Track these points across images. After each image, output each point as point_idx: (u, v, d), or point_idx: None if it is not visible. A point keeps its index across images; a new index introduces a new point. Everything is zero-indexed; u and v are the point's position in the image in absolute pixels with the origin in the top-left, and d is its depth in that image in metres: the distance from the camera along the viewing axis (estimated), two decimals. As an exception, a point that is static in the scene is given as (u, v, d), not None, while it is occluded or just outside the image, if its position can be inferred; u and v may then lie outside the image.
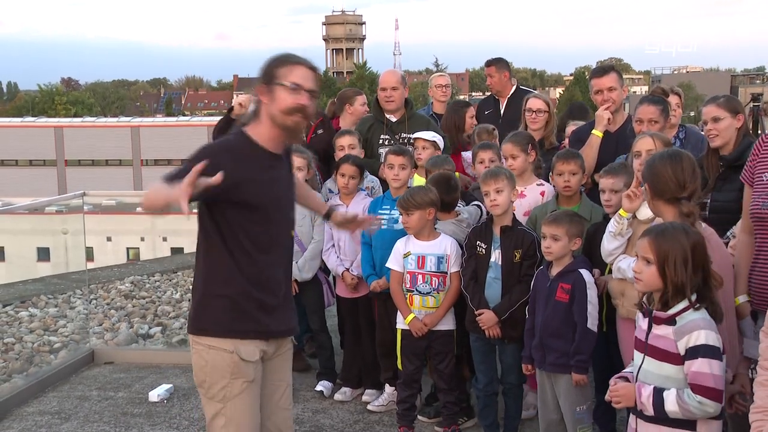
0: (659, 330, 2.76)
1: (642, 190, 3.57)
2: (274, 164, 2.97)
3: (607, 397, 2.90)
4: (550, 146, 5.32)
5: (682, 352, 2.70)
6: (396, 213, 4.64)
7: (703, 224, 3.14)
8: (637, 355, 2.86)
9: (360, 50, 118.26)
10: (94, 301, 8.71)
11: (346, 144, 5.36)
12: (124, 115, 65.85)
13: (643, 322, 2.86)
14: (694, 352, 2.67)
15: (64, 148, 46.41)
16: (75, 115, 61.50)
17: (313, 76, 2.93)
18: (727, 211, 3.69)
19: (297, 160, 5.01)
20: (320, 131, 5.88)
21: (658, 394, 2.71)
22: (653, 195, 3.14)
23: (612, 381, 2.92)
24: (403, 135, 5.64)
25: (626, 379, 2.88)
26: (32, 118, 53.23)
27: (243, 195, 2.84)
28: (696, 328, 2.68)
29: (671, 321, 2.74)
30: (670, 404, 2.68)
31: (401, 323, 4.50)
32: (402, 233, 4.55)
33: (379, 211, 4.81)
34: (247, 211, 2.88)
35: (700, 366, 2.65)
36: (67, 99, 72.20)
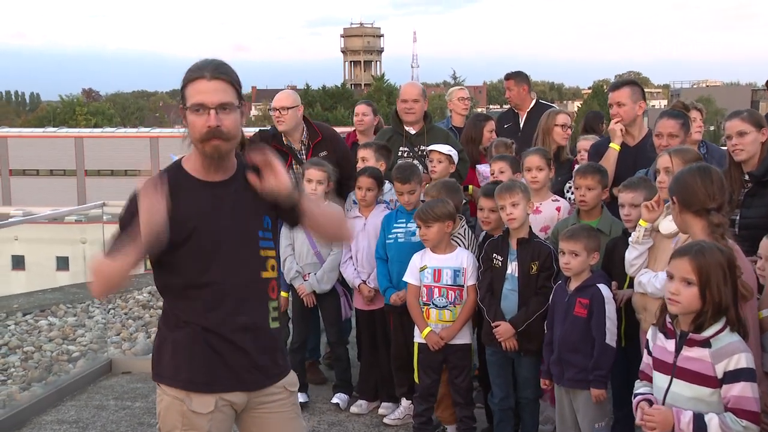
0: (692, 352, 2.69)
1: (661, 203, 3.56)
2: (210, 191, 2.58)
3: (638, 421, 2.79)
4: (565, 159, 5.34)
5: (720, 376, 2.64)
6: (412, 226, 4.65)
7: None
8: (661, 377, 2.79)
9: (378, 62, 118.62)
10: (112, 311, 8.76)
11: (362, 156, 5.33)
12: (143, 126, 66.40)
13: (668, 343, 2.78)
14: (736, 375, 2.62)
15: (84, 159, 46.81)
16: (95, 126, 62.03)
17: (220, 86, 2.46)
18: (757, 227, 3.65)
19: (314, 173, 5.04)
20: (323, 153, 5.59)
21: (699, 419, 2.62)
22: (681, 207, 3.08)
23: (640, 405, 2.81)
24: (422, 147, 5.65)
25: (650, 402, 2.79)
26: (53, 129, 53.77)
27: (171, 233, 2.45)
28: (736, 351, 2.63)
29: (705, 343, 2.68)
30: (714, 430, 2.60)
31: (418, 337, 4.50)
32: (417, 246, 4.56)
33: (395, 225, 4.83)
34: (179, 251, 2.52)
35: (743, 390, 2.60)
36: (88, 110, 72.77)
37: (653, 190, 3.87)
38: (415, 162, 5.46)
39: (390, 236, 4.84)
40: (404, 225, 4.81)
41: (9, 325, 7.84)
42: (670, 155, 3.78)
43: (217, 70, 2.48)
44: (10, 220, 6.71)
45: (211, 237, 2.55)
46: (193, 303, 2.58)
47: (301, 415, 2.88)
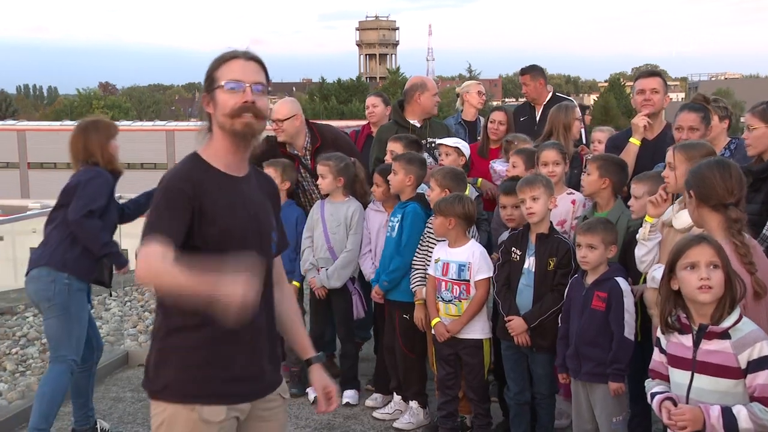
0: (712, 345, 2.66)
1: (668, 198, 3.51)
2: (234, 186, 2.50)
3: (666, 421, 2.72)
4: (573, 151, 5.32)
5: (744, 366, 2.61)
6: (395, 220, 4.80)
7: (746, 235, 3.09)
8: (682, 374, 2.75)
9: (393, 56, 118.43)
10: (128, 304, 8.78)
11: (391, 149, 5.25)
12: (159, 119, 66.70)
13: (684, 339, 2.75)
14: (760, 364, 2.59)
15: (101, 152, 47.10)
16: (112, 119, 62.42)
17: (254, 67, 2.48)
18: (752, 224, 3.61)
19: (320, 168, 5.08)
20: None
21: (727, 413, 2.58)
22: (699, 202, 3.04)
23: (664, 404, 2.74)
24: (429, 139, 5.67)
25: (672, 400, 2.74)
26: (71, 122, 54.10)
27: (200, 228, 2.40)
28: (758, 339, 2.61)
29: (724, 334, 2.65)
30: (744, 422, 2.56)
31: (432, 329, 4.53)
32: (394, 240, 4.74)
33: (391, 219, 4.89)
34: (202, 246, 2.40)
35: None
36: (105, 103, 73.23)
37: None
38: (425, 155, 5.47)
39: (388, 230, 4.92)
40: (392, 219, 4.87)
41: (27, 317, 7.88)
42: (674, 150, 3.72)
43: (250, 53, 2.50)
44: (28, 212, 6.77)
45: (236, 233, 2.46)
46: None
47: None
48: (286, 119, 5.43)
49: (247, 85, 2.44)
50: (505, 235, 4.57)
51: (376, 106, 6.72)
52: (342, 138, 5.83)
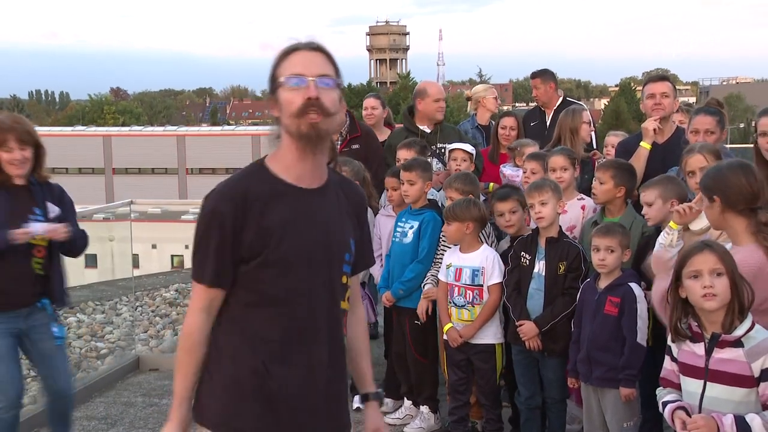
0: (725, 353, 2.64)
1: (695, 209, 3.46)
2: (303, 200, 2.23)
3: (680, 430, 2.67)
4: (586, 157, 5.30)
5: (757, 374, 2.59)
6: (407, 226, 4.76)
7: None
8: (693, 382, 2.72)
9: (404, 60, 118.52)
10: (139, 308, 8.84)
11: (403, 157, 5.21)
12: (170, 125, 66.98)
13: (696, 347, 2.72)
14: None
15: (112, 157, 47.34)
16: (123, 124, 62.75)
17: (319, 58, 2.19)
18: None
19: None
20: (356, 146, 5.76)
21: (741, 421, 2.55)
22: (725, 206, 2.98)
23: (677, 414, 2.71)
24: (438, 145, 5.66)
25: (685, 410, 2.71)
26: (82, 127, 54.44)
27: (258, 248, 2.17)
28: None
29: (737, 343, 2.62)
30: (758, 430, 2.54)
31: (444, 334, 4.51)
32: (409, 247, 4.69)
33: (398, 224, 4.87)
34: (264, 269, 2.18)
35: None
36: (116, 108, 73.69)
37: (676, 189, 3.82)
38: (434, 160, 5.49)
39: (395, 235, 4.90)
40: (402, 224, 4.85)
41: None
42: (703, 155, 3.69)
43: (314, 43, 2.22)
44: (40, 217, 6.79)
45: (301, 253, 2.20)
46: (263, 325, 2.19)
47: None
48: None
49: (311, 78, 2.15)
50: (503, 246, 4.56)
51: (375, 108, 6.63)
52: (375, 136, 6.03)
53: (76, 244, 4.04)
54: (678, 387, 2.81)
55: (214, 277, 2.18)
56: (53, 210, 3.97)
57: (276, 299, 2.19)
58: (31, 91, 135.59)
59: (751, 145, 4.29)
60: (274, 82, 2.20)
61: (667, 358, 2.87)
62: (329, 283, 2.26)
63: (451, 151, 5.35)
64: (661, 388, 2.90)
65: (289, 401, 2.20)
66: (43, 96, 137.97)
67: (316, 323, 2.23)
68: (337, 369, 2.30)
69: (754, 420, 2.54)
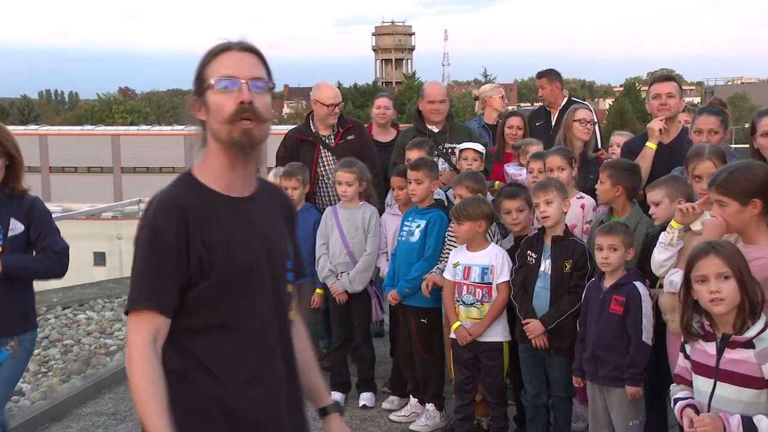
0: (736, 354, 2.64)
1: (700, 211, 3.47)
2: (237, 210, 2.07)
3: (687, 429, 2.69)
4: (592, 158, 5.31)
5: (767, 376, 2.59)
6: (414, 225, 4.77)
7: None
8: (704, 381, 2.73)
9: (409, 60, 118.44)
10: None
11: (411, 158, 5.24)
12: (178, 124, 67.10)
13: (708, 347, 2.72)
14: None
15: (121, 156, 47.47)
16: (131, 124, 62.85)
17: (251, 60, 2.04)
18: None
19: (343, 176, 5.09)
20: (351, 137, 5.79)
21: (748, 422, 2.56)
22: (743, 207, 2.95)
23: (685, 411, 2.72)
24: (447, 145, 5.69)
25: (694, 407, 2.73)
26: (91, 127, 54.56)
27: (206, 266, 1.99)
28: None
29: (748, 344, 2.63)
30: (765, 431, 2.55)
31: (453, 333, 4.54)
32: (416, 246, 4.72)
33: (405, 223, 4.89)
34: (214, 288, 2.02)
35: None
36: (124, 108, 73.77)
37: (683, 188, 3.85)
38: (441, 160, 5.52)
39: (401, 234, 4.93)
40: (408, 223, 4.88)
41: (49, 319, 8.01)
42: (712, 161, 3.68)
43: (245, 43, 2.06)
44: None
45: (248, 264, 2.05)
46: (219, 348, 2.03)
47: None
48: (340, 103, 5.74)
49: (243, 81, 2.00)
50: (506, 245, 4.60)
51: (388, 108, 6.66)
52: (364, 126, 6.12)
53: (22, 275, 3.62)
54: (691, 384, 2.82)
55: (162, 301, 1.97)
56: (16, 228, 3.60)
57: (229, 320, 2.03)
58: (41, 91, 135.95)
59: None
60: (202, 84, 2.04)
61: (680, 356, 2.89)
62: (277, 294, 2.13)
63: (461, 150, 5.38)
64: (674, 384, 2.92)
65: (253, 422, 2.06)
66: (53, 96, 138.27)
67: (271, 339, 2.09)
68: (294, 381, 2.18)
69: (761, 421, 2.54)
